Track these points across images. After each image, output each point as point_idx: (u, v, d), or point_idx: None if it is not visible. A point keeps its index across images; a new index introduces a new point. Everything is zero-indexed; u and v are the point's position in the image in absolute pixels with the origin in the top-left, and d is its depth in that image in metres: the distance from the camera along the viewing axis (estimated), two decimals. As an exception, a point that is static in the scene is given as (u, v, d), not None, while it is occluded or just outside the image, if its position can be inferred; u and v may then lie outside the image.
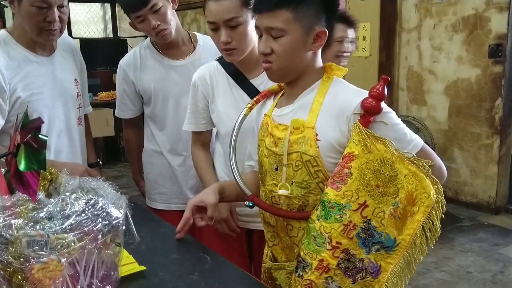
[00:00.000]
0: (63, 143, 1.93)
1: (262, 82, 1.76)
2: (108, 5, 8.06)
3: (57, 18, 1.74)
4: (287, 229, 1.39)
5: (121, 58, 2.21)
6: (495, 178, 4.23)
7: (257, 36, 1.37)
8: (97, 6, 8.01)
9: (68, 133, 1.96)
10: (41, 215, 0.91)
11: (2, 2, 6.39)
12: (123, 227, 1.01)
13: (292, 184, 1.33)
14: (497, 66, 4.07)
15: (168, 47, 2.11)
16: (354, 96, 1.28)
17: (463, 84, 4.33)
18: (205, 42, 2.16)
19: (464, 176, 4.43)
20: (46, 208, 0.92)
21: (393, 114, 1.29)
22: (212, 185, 1.58)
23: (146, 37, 2.23)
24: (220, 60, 1.81)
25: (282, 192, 1.34)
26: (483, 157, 4.28)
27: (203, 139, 1.90)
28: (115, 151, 5.42)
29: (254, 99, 1.52)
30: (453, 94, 4.42)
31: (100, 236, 0.94)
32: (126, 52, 2.27)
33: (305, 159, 1.30)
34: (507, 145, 4.22)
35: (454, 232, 3.94)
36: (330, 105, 1.30)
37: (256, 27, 1.35)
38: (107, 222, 0.95)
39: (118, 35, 7.96)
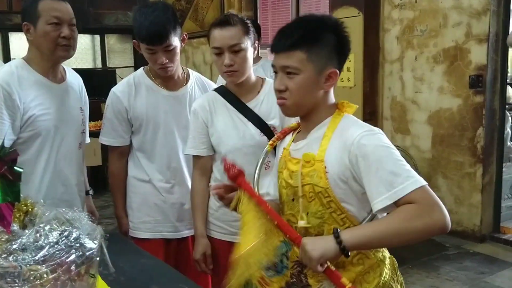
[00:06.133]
0: (64, 163, 2.05)
1: (257, 104, 1.93)
2: (97, 36, 8.13)
3: (70, 34, 1.95)
4: None
5: (110, 88, 2.24)
6: (479, 206, 4.26)
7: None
8: (86, 37, 8.08)
9: (69, 154, 2.07)
10: (14, 246, 0.92)
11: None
12: (97, 258, 1.02)
13: (307, 214, 1.38)
14: (477, 96, 4.16)
15: (163, 78, 2.17)
16: (355, 130, 1.34)
17: (445, 114, 4.40)
18: (197, 78, 2.29)
19: (449, 204, 4.46)
20: (20, 239, 0.93)
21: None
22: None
23: (134, 67, 2.27)
24: (217, 90, 1.99)
25: (301, 223, 1.38)
26: (467, 185, 4.32)
27: (202, 164, 1.99)
28: (102, 181, 5.41)
29: (275, 136, 1.60)
30: (435, 124, 4.49)
31: (73, 267, 0.94)
32: (115, 82, 2.31)
33: (317, 190, 1.36)
34: (490, 174, 4.27)
35: (440, 260, 3.95)
36: (337, 140, 1.36)
37: (273, 65, 1.42)
38: (80, 253, 0.96)
39: (107, 65, 8.01)
